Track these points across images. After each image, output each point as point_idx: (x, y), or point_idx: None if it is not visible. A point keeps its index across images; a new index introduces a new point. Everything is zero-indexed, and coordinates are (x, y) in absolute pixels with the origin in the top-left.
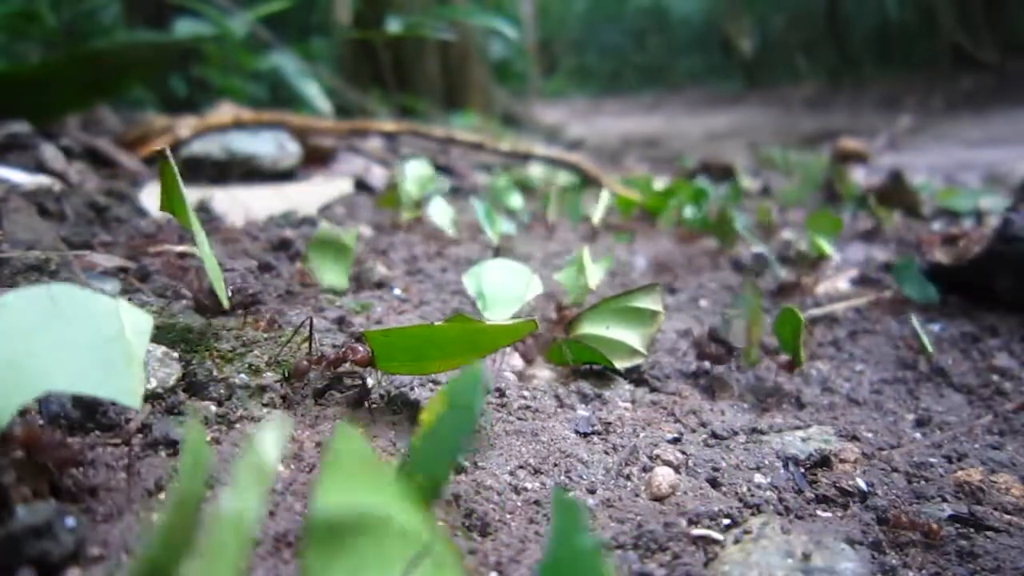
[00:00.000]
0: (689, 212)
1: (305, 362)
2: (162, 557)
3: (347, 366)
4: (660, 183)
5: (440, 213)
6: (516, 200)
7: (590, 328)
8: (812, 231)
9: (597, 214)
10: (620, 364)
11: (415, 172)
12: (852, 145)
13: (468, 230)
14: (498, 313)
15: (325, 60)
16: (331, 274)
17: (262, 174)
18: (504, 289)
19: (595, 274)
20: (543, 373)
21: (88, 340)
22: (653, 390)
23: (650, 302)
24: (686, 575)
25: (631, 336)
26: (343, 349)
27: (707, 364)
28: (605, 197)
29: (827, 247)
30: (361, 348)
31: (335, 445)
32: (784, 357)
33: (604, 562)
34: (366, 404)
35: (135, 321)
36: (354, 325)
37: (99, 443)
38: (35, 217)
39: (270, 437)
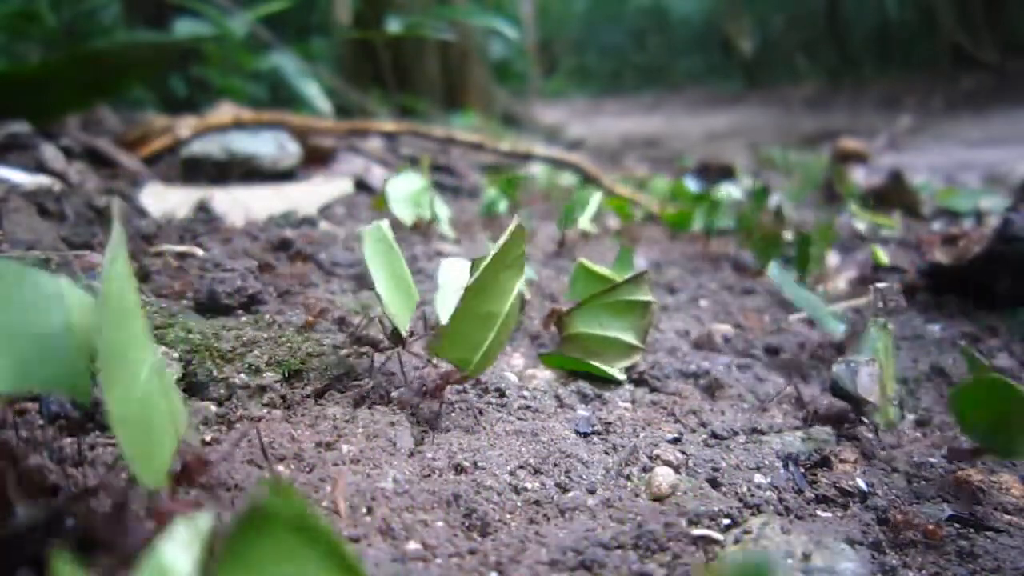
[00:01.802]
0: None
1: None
2: None
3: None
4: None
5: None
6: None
7: (583, 327)
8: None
9: (583, 218)
10: (619, 363)
11: (403, 189)
12: (852, 145)
13: (468, 230)
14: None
15: (325, 60)
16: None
17: (262, 174)
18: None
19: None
20: (543, 373)
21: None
22: (653, 390)
23: (640, 293)
24: (686, 575)
25: (626, 331)
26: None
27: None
28: (595, 201)
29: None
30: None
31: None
32: (964, 444)
33: None
34: (366, 404)
35: (81, 304)
36: (354, 325)
37: (99, 443)
38: (35, 217)
39: (180, 552)
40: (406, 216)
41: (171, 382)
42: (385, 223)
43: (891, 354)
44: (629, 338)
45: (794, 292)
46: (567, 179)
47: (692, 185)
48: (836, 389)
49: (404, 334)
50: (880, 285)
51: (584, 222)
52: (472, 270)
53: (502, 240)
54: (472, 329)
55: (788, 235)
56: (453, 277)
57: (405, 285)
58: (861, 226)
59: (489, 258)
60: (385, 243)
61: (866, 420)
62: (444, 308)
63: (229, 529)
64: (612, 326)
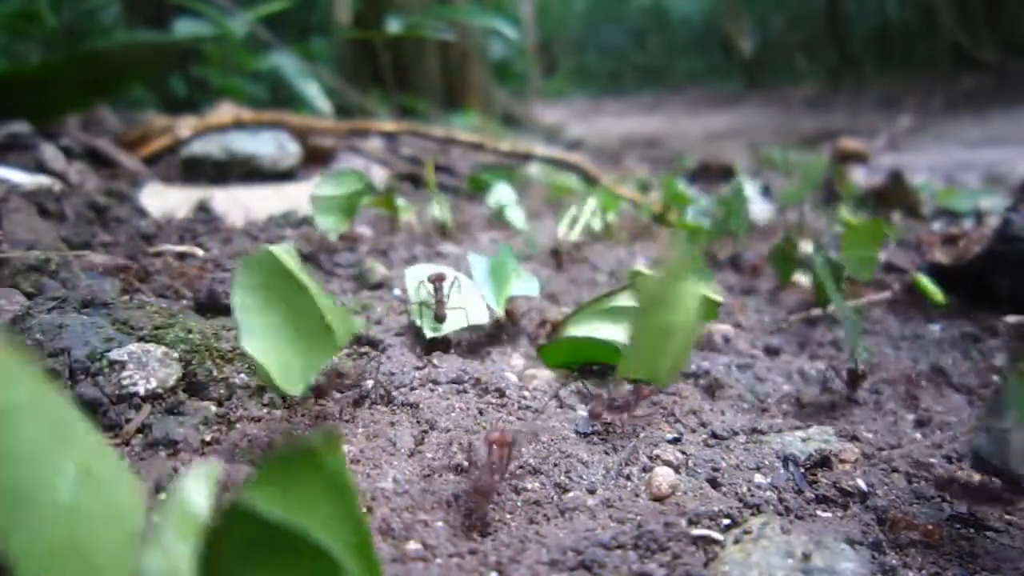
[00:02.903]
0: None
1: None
2: None
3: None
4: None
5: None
6: (517, 216)
7: (576, 332)
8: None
9: (575, 226)
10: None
11: (331, 195)
12: (852, 145)
13: (468, 230)
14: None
15: (325, 60)
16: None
17: (262, 174)
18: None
19: None
20: (543, 373)
21: None
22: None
23: (632, 299)
24: (686, 575)
25: (621, 334)
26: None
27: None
28: (589, 207)
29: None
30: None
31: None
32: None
33: None
34: (366, 404)
35: None
36: None
37: None
38: (35, 217)
39: (197, 486)
40: (331, 227)
41: (117, 466)
42: (285, 248)
43: None
44: (624, 340)
45: (853, 340)
46: (572, 182)
47: (690, 189)
48: (979, 462)
49: (299, 392)
50: (1010, 319)
51: (593, 223)
52: (640, 286)
53: (669, 252)
54: (653, 344)
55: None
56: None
57: (315, 327)
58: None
59: (659, 272)
60: (275, 280)
61: None
62: (429, 321)
63: (270, 456)
64: (608, 331)
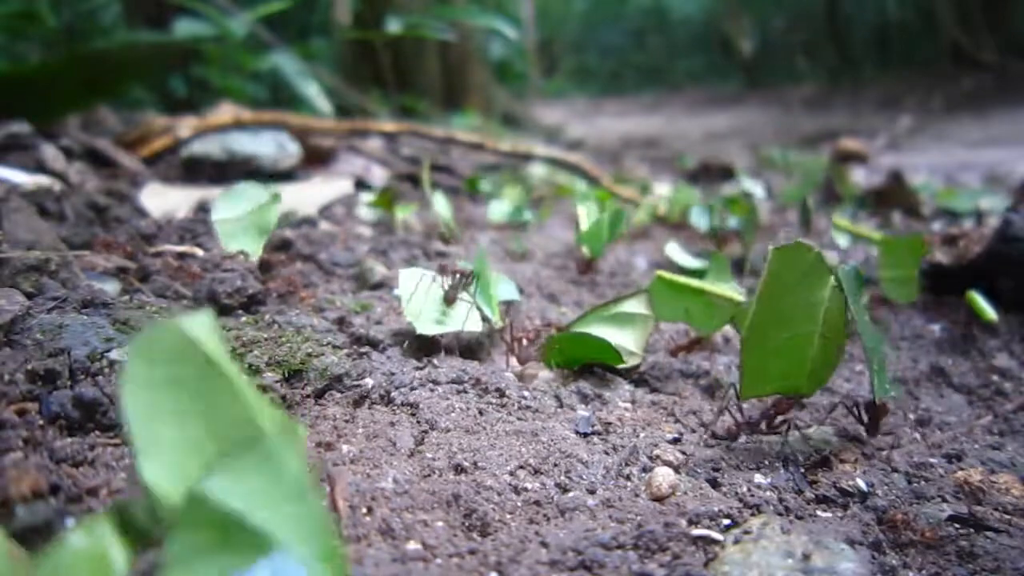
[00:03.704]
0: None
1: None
2: None
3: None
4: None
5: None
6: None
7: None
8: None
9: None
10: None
11: (235, 212)
12: (852, 145)
13: (469, 230)
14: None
15: (325, 60)
16: None
17: (262, 174)
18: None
19: None
20: (543, 373)
21: None
22: (653, 390)
23: (640, 307)
24: (686, 575)
25: (626, 339)
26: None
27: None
28: (584, 214)
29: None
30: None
31: None
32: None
33: None
34: (366, 404)
35: None
36: (354, 325)
37: (99, 443)
38: (35, 217)
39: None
40: (249, 246)
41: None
42: (200, 322)
43: None
44: (628, 345)
45: (878, 374)
46: (567, 181)
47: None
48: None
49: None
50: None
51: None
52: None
53: (773, 265)
54: (777, 358)
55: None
56: (415, 286)
57: (244, 439)
58: (842, 241)
59: (762, 287)
60: (186, 372)
61: None
62: (423, 322)
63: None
64: (612, 335)
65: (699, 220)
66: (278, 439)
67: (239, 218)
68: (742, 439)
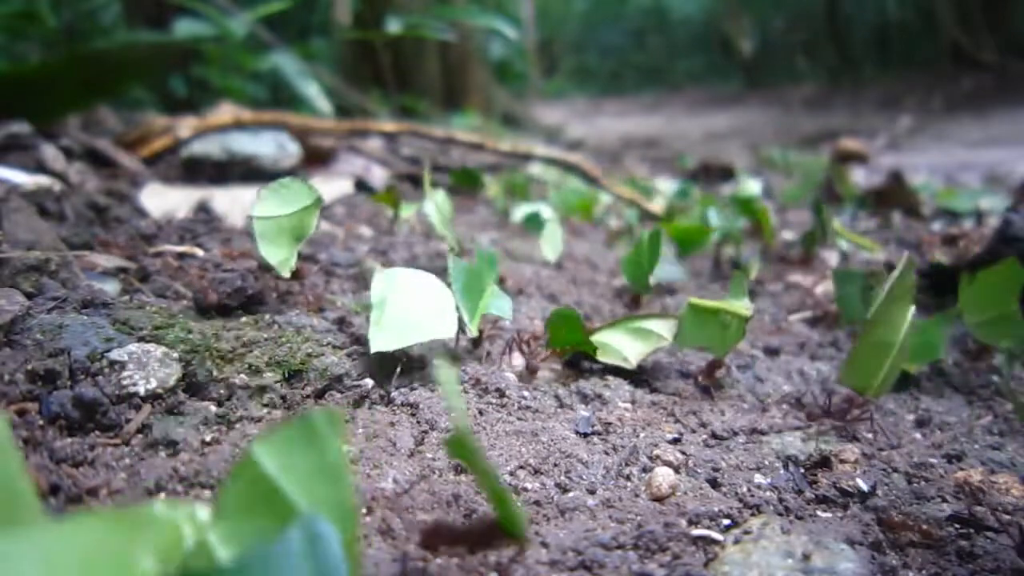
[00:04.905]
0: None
1: None
2: None
3: None
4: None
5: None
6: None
7: (603, 339)
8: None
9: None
10: (610, 361)
11: (275, 214)
12: (852, 145)
13: (469, 230)
14: (388, 340)
15: (325, 60)
16: None
17: (262, 174)
18: (408, 313)
19: None
20: (543, 373)
21: None
22: (653, 390)
23: (663, 328)
24: (686, 575)
25: (630, 348)
26: None
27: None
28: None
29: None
30: None
31: None
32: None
33: None
34: (366, 404)
35: None
36: (354, 325)
37: (99, 443)
38: (35, 217)
39: None
40: (280, 258)
41: None
42: None
43: None
44: (629, 354)
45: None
46: (605, 199)
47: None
48: None
49: None
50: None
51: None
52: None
53: (895, 273)
54: (870, 358)
55: (786, 235)
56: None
57: None
58: (842, 245)
59: (889, 288)
60: None
61: None
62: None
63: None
64: (618, 340)
65: (713, 221)
66: (326, 421)
67: (277, 219)
68: (826, 424)
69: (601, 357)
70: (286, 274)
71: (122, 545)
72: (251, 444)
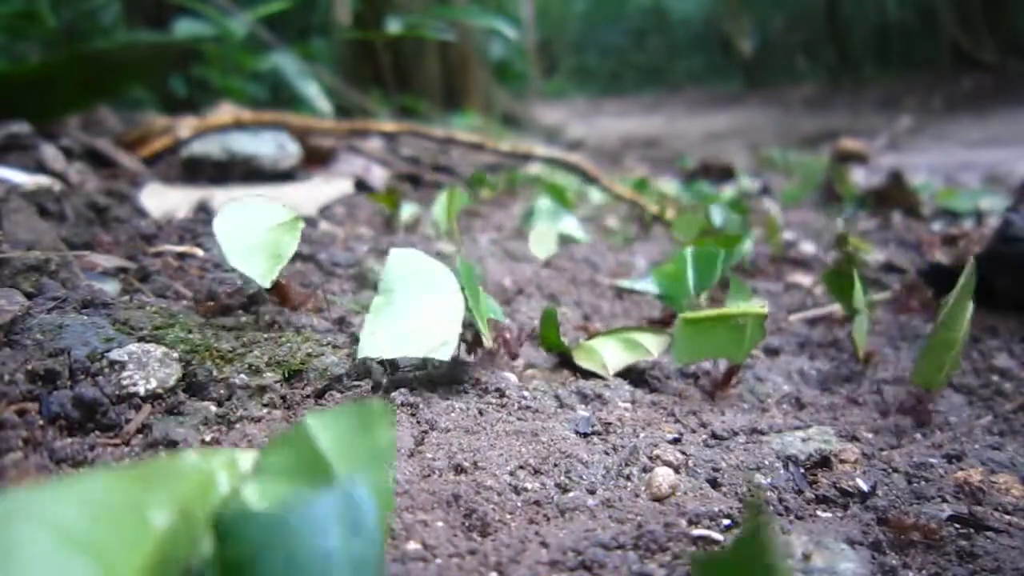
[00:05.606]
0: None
1: None
2: None
3: None
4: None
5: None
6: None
7: (596, 346)
8: None
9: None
10: (588, 367)
11: (245, 228)
12: (852, 145)
13: (469, 231)
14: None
15: (325, 60)
16: None
17: (262, 174)
18: (407, 316)
19: None
20: (543, 373)
21: None
22: (653, 390)
23: (653, 344)
24: (686, 575)
25: (612, 357)
26: None
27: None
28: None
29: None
30: None
31: None
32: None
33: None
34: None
35: None
36: (354, 325)
37: (99, 443)
38: (35, 217)
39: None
40: (258, 272)
41: None
42: None
43: None
44: (609, 362)
45: None
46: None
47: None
48: None
49: None
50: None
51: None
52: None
53: (962, 279)
54: (938, 355)
55: (787, 235)
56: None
57: None
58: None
59: (957, 291)
60: None
61: None
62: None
63: None
64: (607, 348)
65: (716, 218)
66: (382, 411)
67: (249, 234)
68: (890, 419)
69: (581, 362)
70: (266, 285)
71: (133, 500)
72: (305, 416)
